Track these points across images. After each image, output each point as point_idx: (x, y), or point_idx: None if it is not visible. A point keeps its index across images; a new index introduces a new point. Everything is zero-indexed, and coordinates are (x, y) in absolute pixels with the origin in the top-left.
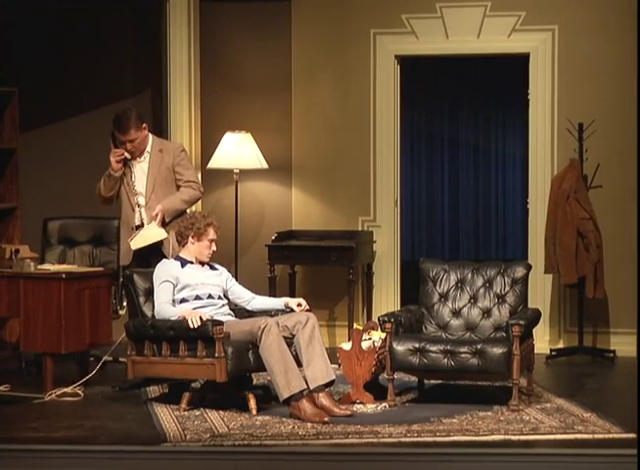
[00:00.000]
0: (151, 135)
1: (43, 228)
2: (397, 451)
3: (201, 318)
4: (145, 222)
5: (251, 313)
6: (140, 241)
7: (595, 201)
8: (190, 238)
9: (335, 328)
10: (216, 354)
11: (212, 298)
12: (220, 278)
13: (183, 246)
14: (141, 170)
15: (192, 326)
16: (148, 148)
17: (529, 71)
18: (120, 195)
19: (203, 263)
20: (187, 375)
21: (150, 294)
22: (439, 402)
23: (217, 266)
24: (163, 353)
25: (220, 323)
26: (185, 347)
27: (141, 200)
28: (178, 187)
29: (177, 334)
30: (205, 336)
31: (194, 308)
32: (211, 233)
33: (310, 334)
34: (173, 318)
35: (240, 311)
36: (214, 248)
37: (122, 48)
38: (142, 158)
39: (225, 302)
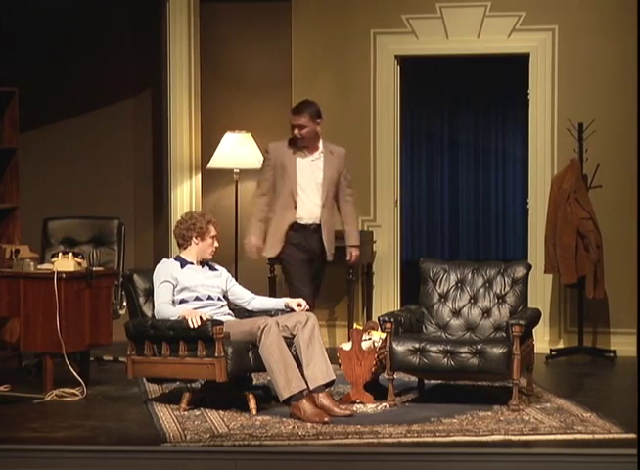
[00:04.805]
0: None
1: (43, 228)
2: (397, 451)
3: (201, 318)
4: (321, 221)
5: (250, 313)
6: None
7: (595, 201)
8: (193, 239)
9: (335, 328)
10: (216, 354)
11: (212, 298)
12: (220, 279)
13: (185, 248)
14: (316, 168)
15: (192, 326)
16: (321, 148)
17: (529, 71)
18: (277, 187)
19: (203, 264)
20: (187, 375)
21: (150, 294)
22: (439, 402)
23: (217, 267)
24: (163, 353)
25: (220, 323)
26: (185, 347)
27: (303, 196)
28: (336, 193)
29: (177, 334)
30: (205, 336)
31: (193, 309)
32: (213, 230)
33: (310, 334)
34: (173, 318)
35: (240, 311)
36: (217, 244)
37: (122, 48)
38: (315, 155)
39: (225, 302)
